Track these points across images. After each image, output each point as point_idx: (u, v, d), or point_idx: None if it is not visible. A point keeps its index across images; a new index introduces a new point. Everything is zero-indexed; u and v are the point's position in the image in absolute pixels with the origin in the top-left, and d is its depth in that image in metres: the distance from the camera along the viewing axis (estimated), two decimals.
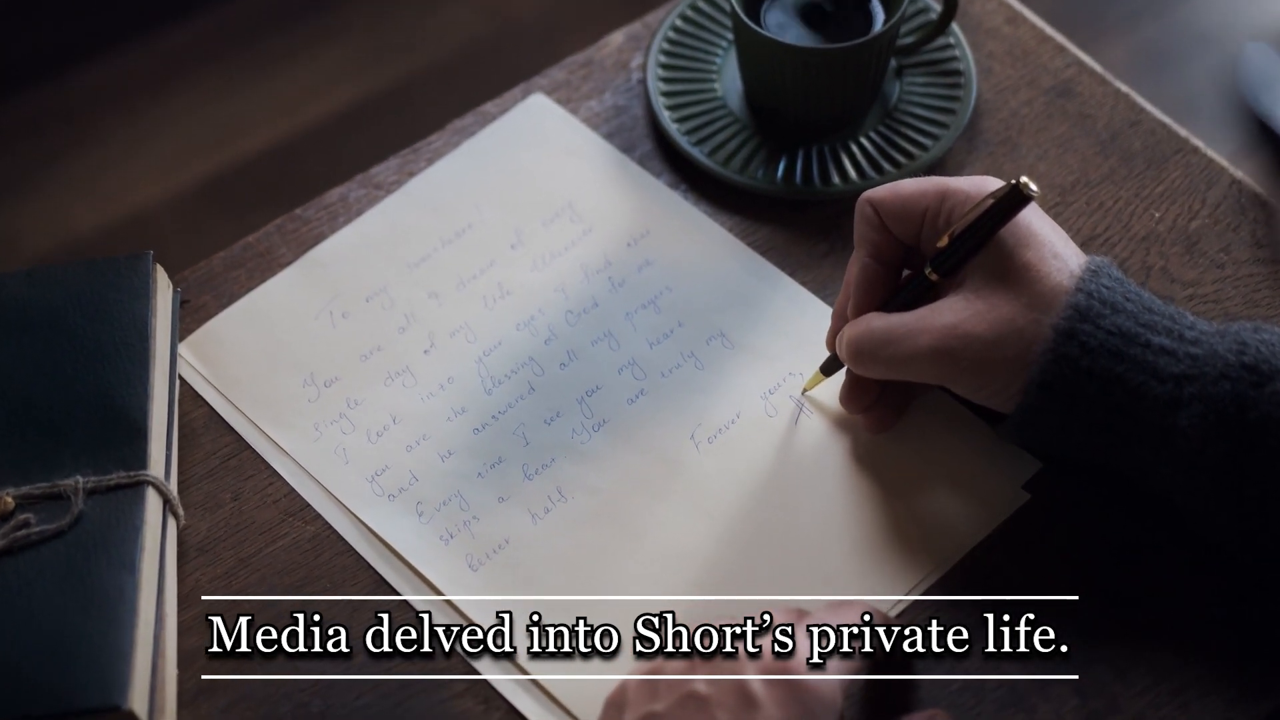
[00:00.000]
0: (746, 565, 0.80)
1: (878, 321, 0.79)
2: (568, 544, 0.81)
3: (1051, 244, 0.77)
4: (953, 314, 0.76)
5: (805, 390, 0.85)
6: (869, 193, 0.81)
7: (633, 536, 0.81)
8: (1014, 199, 0.76)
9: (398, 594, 0.80)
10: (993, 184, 0.78)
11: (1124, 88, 0.95)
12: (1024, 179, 0.76)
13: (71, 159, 1.94)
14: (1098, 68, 0.96)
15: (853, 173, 0.92)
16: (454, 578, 0.80)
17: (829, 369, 0.84)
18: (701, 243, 0.91)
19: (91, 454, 0.78)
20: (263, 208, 1.89)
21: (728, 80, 0.96)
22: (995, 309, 0.76)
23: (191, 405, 0.86)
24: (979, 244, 0.77)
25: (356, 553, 0.81)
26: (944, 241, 0.78)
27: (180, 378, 0.86)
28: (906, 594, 0.79)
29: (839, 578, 0.79)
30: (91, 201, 1.93)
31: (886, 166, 0.92)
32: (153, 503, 0.78)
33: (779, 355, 0.87)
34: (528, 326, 0.88)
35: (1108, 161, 0.93)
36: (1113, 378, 0.74)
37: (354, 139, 1.94)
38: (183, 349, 0.87)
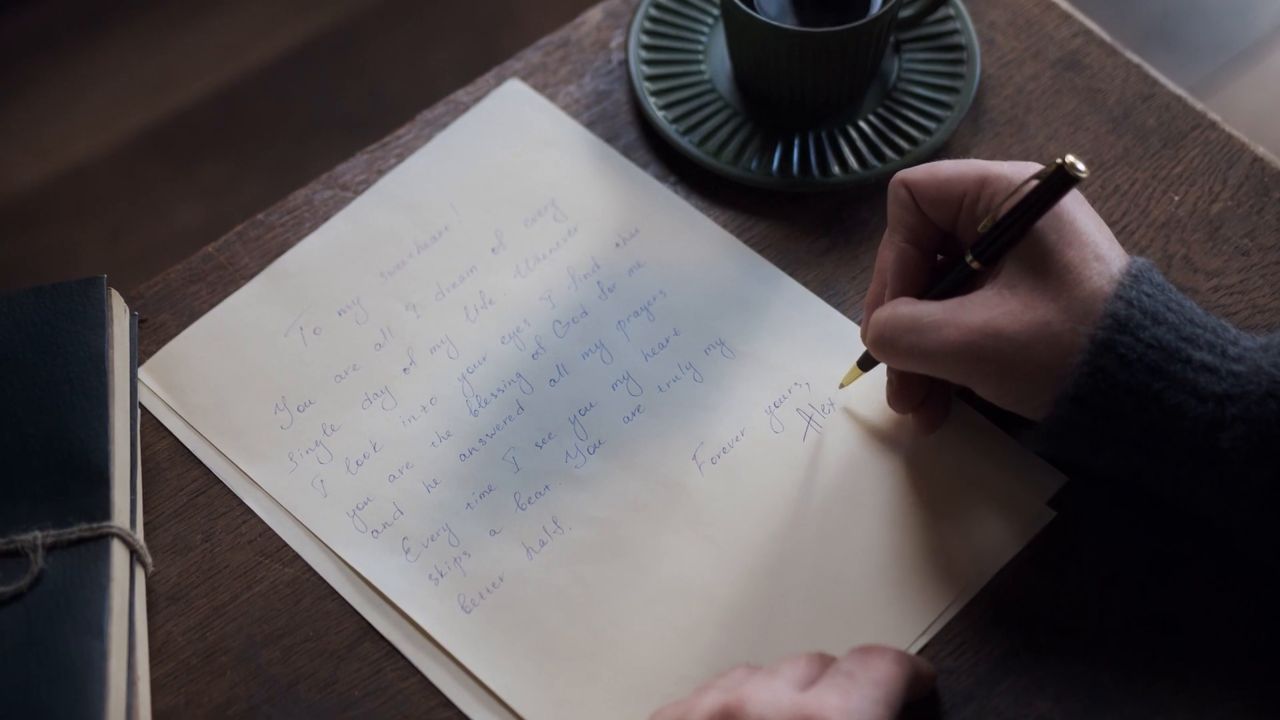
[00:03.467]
0: (757, 597, 0.75)
1: (905, 308, 0.73)
2: (566, 579, 0.76)
3: (1095, 244, 0.72)
4: (985, 310, 0.71)
5: (842, 385, 0.79)
6: (903, 173, 0.75)
7: (635, 570, 0.76)
8: (1060, 180, 0.71)
9: (386, 640, 0.75)
10: (1035, 169, 0.72)
11: (1134, 58, 0.90)
12: (1070, 158, 0.70)
13: (1, 111, 1.86)
14: (1106, 37, 0.91)
15: (853, 161, 0.86)
16: (446, 621, 0.75)
17: (866, 363, 0.78)
18: (694, 241, 0.85)
19: (50, 504, 0.72)
20: (210, 159, 1.82)
21: (715, 60, 0.90)
22: (1031, 309, 0.70)
23: (154, 436, 0.80)
24: (1023, 229, 0.71)
25: (340, 596, 0.76)
26: (985, 226, 0.72)
27: (141, 405, 0.80)
28: (930, 624, 0.74)
29: (857, 608, 0.74)
30: (25, 156, 1.84)
31: (889, 153, 0.86)
32: (119, 556, 0.72)
33: (782, 364, 0.81)
34: (513, 339, 0.82)
35: (1121, 140, 0.87)
36: (1150, 395, 0.69)
37: (302, 81, 1.87)
38: (142, 374, 0.81)
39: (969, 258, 0.73)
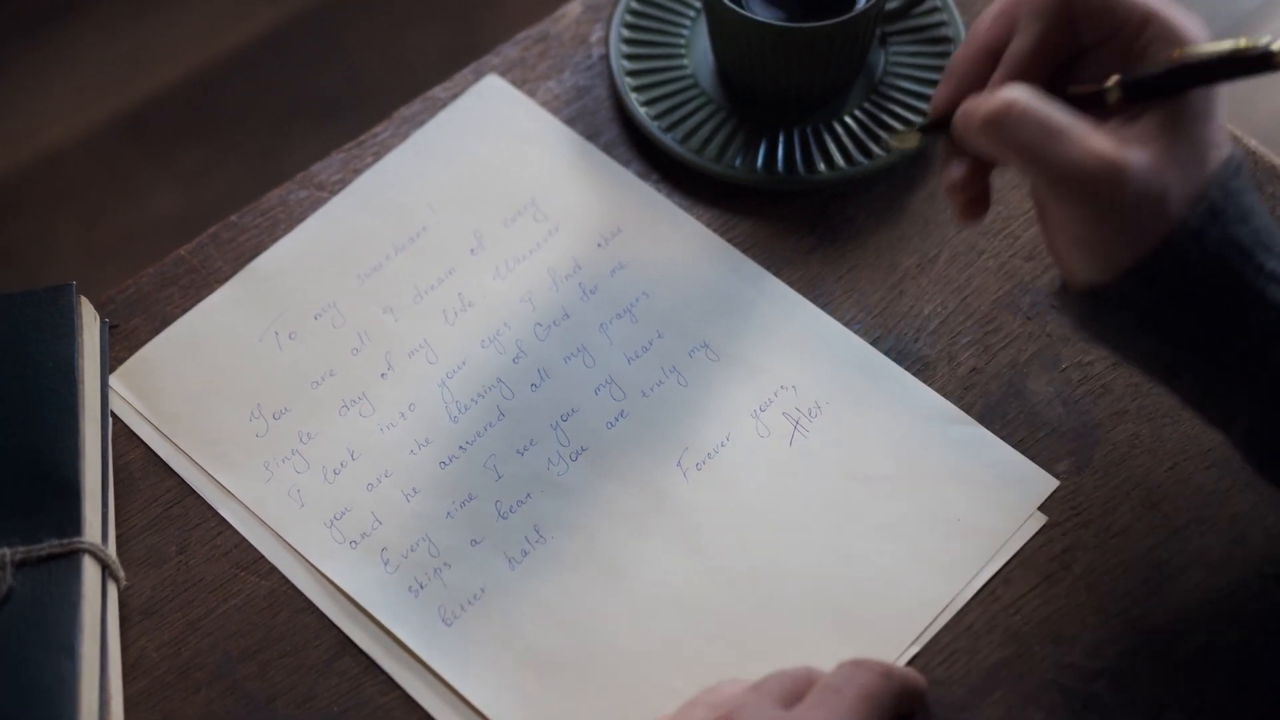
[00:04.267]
0: (743, 608, 0.73)
1: (1038, 102, 0.66)
2: (548, 590, 0.74)
3: (1221, 127, 0.67)
4: (1120, 147, 0.65)
5: (895, 145, 0.75)
6: None
7: (618, 579, 0.74)
8: (1259, 62, 0.65)
9: (366, 655, 0.73)
10: (1202, 30, 0.67)
11: None
12: (1278, 43, 0.65)
13: None
14: None
15: (839, 158, 0.84)
16: (427, 634, 0.73)
17: (931, 129, 0.71)
18: (678, 240, 0.83)
19: (19, 520, 0.71)
20: (187, 145, 1.80)
21: (698, 54, 0.88)
22: (1158, 170, 0.65)
23: (127, 445, 0.78)
24: (1187, 88, 0.65)
25: (318, 609, 0.74)
26: (1156, 68, 0.66)
27: (112, 413, 0.78)
28: (920, 633, 0.73)
29: (845, 618, 0.73)
30: None
31: (875, 149, 0.84)
32: (90, 572, 0.70)
33: (768, 366, 0.79)
34: (494, 343, 0.81)
35: None
36: (1219, 291, 0.65)
37: (279, 65, 1.84)
38: (114, 381, 0.79)
39: (1110, 85, 0.67)
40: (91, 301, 0.79)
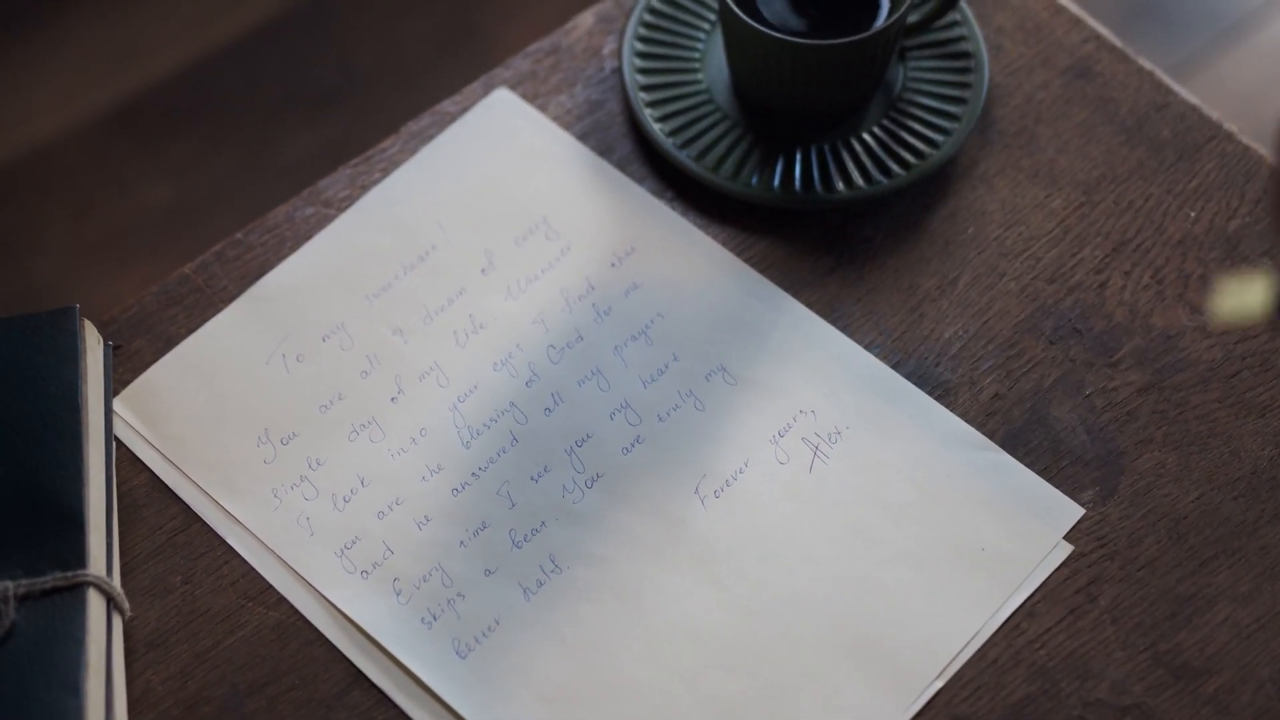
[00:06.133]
0: (763, 639, 0.72)
1: None
2: (564, 623, 0.73)
3: None
4: None
5: (1220, 322, 0.71)
6: None
7: (636, 610, 0.73)
8: None
9: (377, 688, 0.71)
10: None
11: (1147, 64, 0.86)
12: None
13: None
14: (1118, 42, 0.87)
15: (857, 177, 0.82)
16: (441, 667, 0.72)
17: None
18: (693, 260, 0.82)
19: (21, 552, 0.69)
20: (178, 135, 1.78)
21: (713, 68, 0.86)
22: None
23: (130, 471, 0.76)
24: None
25: (328, 641, 0.73)
26: None
27: (116, 438, 0.76)
28: (944, 667, 0.71)
29: (866, 649, 0.72)
30: None
31: (894, 168, 0.83)
32: (95, 606, 0.69)
33: (786, 390, 0.78)
34: (506, 365, 0.79)
35: (1135, 153, 0.84)
36: None
37: (272, 54, 1.82)
38: (117, 405, 0.77)
39: None
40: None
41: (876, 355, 0.79)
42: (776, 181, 0.82)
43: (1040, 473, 0.75)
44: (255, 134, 1.77)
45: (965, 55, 0.85)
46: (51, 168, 1.77)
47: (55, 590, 0.68)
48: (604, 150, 0.84)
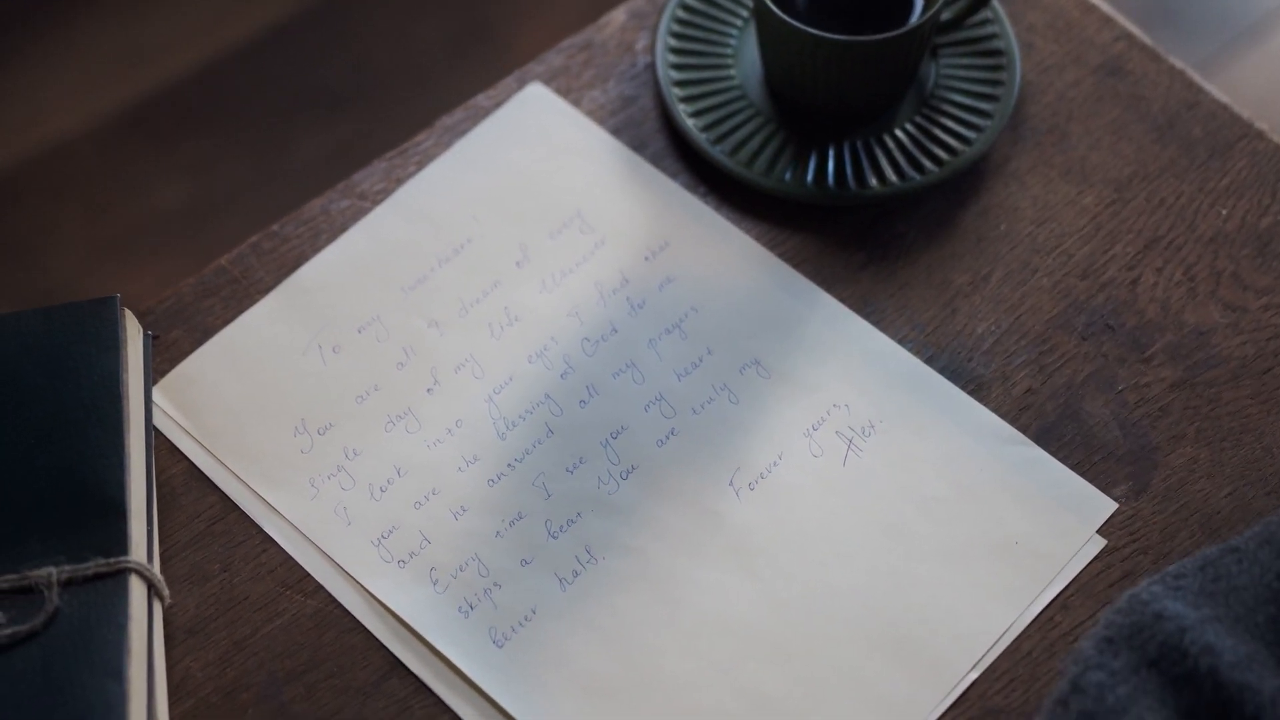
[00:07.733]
0: (799, 632, 0.72)
1: None
2: (600, 613, 0.73)
3: None
4: None
5: None
6: None
7: (672, 603, 0.73)
8: None
9: (415, 676, 0.72)
10: None
11: (1179, 64, 0.87)
12: None
13: None
14: (1148, 41, 0.88)
15: (890, 173, 0.83)
16: (477, 656, 0.72)
17: None
18: (727, 255, 0.82)
19: (63, 538, 0.69)
20: (191, 137, 1.78)
21: (746, 64, 0.86)
22: None
23: (169, 460, 0.76)
24: None
25: (366, 629, 0.73)
26: None
27: (154, 427, 0.76)
28: (978, 659, 0.72)
29: (901, 641, 0.72)
30: (0, 133, 1.80)
31: (927, 164, 0.83)
32: (137, 593, 0.69)
33: (820, 384, 0.78)
34: (541, 358, 0.79)
35: (1166, 151, 0.84)
36: None
37: (285, 54, 1.82)
38: (155, 394, 0.77)
39: None
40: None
41: (910, 350, 0.79)
42: (810, 177, 0.83)
43: (1073, 467, 0.76)
44: (268, 134, 1.78)
45: (997, 53, 0.86)
46: (65, 168, 1.78)
47: (97, 576, 0.69)
48: (637, 145, 0.85)
